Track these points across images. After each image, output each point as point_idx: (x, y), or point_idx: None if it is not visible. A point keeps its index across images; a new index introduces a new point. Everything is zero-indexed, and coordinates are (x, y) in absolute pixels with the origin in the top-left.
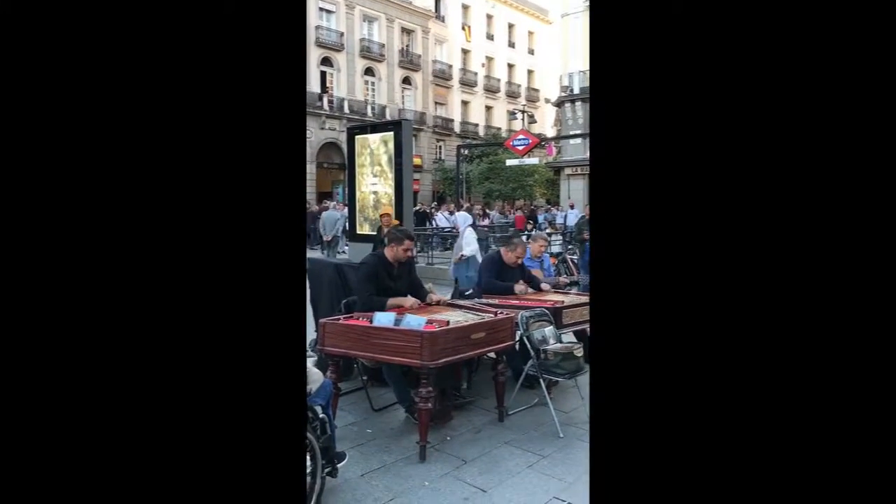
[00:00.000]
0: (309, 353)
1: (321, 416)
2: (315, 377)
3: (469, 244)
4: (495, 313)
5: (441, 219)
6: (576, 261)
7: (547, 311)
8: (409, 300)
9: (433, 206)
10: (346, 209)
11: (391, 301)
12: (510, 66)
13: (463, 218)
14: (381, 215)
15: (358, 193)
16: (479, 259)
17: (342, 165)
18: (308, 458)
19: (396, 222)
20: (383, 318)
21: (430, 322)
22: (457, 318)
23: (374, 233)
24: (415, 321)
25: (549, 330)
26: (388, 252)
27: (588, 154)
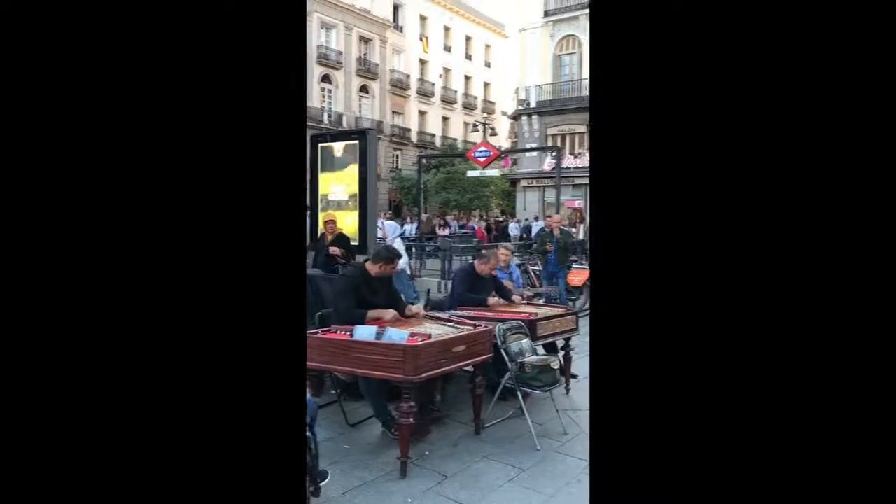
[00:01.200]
0: None
1: (307, 434)
2: None
3: (395, 241)
4: (474, 326)
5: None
6: (538, 272)
7: (523, 324)
8: (389, 313)
9: (387, 213)
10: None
11: (371, 314)
12: (467, 77)
13: (392, 228)
14: (324, 222)
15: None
16: (409, 272)
17: None
18: None
19: (340, 229)
20: (364, 332)
21: (411, 335)
22: (437, 331)
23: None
24: (397, 335)
25: (525, 342)
26: (372, 268)
27: (543, 167)
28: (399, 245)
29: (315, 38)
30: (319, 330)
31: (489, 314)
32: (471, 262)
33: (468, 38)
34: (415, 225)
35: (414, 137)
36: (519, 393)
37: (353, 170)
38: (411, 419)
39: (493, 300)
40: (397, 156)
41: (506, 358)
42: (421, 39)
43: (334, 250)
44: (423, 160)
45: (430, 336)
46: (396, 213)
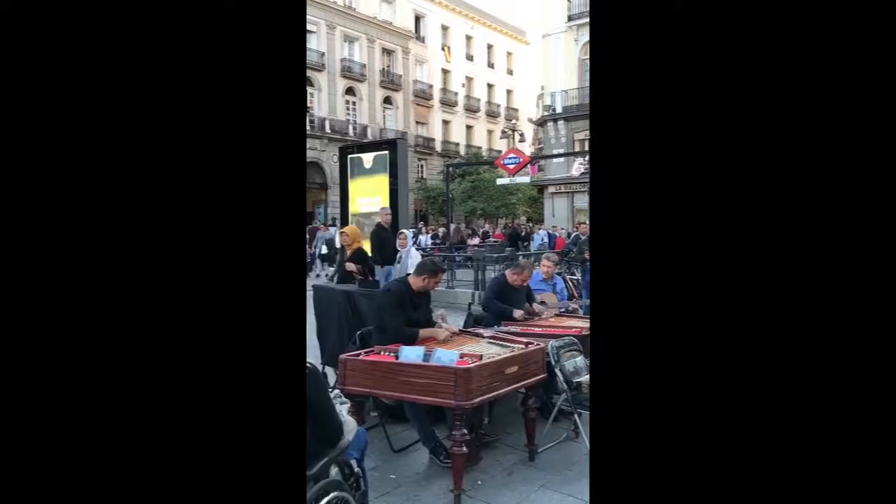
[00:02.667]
0: (342, 398)
1: (356, 470)
2: (349, 426)
3: (409, 255)
4: (525, 344)
5: None
6: (576, 281)
7: (576, 340)
8: (443, 332)
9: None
10: (329, 230)
11: (423, 332)
12: (490, 85)
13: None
14: (340, 233)
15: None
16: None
17: (323, 185)
18: None
19: (360, 244)
20: (411, 354)
21: (461, 356)
22: (487, 350)
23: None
24: (446, 356)
25: (580, 360)
26: (416, 282)
27: (571, 172)
28: (416, 255)
29: (339, 51)
30: (362, 351)
31: (537, 329)
32: (503, 272)
33: (490, 46)
34: (429, 236)
35: (438, 147)
36: (576, 416)
37: (382, 181)
38: (465, 448)
39: (519, 313)
40: (422, 166)
41: (560, 378)
42: (443, 49)
43: (350, 266)
44: (450, 169)
45: (480, 357)
46: (425, 222)
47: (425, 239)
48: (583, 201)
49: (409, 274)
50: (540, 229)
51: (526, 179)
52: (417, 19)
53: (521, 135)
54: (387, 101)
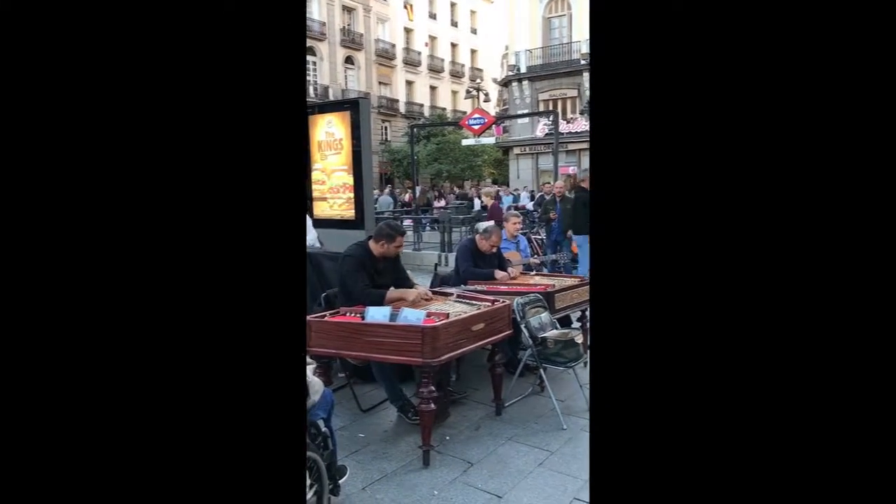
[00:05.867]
0: (308, 359)
1: (323, 430)
2: (316, 387)
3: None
4: (492, 302)
5: None
6: (540, 241)
7: (541, 297)
8: (412, 292)
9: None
10: None
11: (391, 294)
12: (453, 45)
13: None
14: None
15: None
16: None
17: None
18: (313, 479)
19: None
20: (377, 314)
21: (428, 315)
22: (453, 309)
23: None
24: (413, 315)
25: (545, 316)
26: (376, 247)
27: (535, 133)
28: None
29: None
30: (327, 313)
31: (503, 287)
32: (471, 237)
33: (453, 5)
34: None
35: (402, 108)
36: (542, 371)
37: (345, 143)
38: (433, 405)
39: (500, 274)
40: (386, 128)
41: (526, 334)
42: (405, 7)
43: None
44: (415, 130)
45: (447, 315)
46: (391, 185)
47: None
48: (547, 162)
49: (370, 237)
50: (506, 192)
51: (491, 140)
52: None
53: (486, 94)
54: (348, 60)
